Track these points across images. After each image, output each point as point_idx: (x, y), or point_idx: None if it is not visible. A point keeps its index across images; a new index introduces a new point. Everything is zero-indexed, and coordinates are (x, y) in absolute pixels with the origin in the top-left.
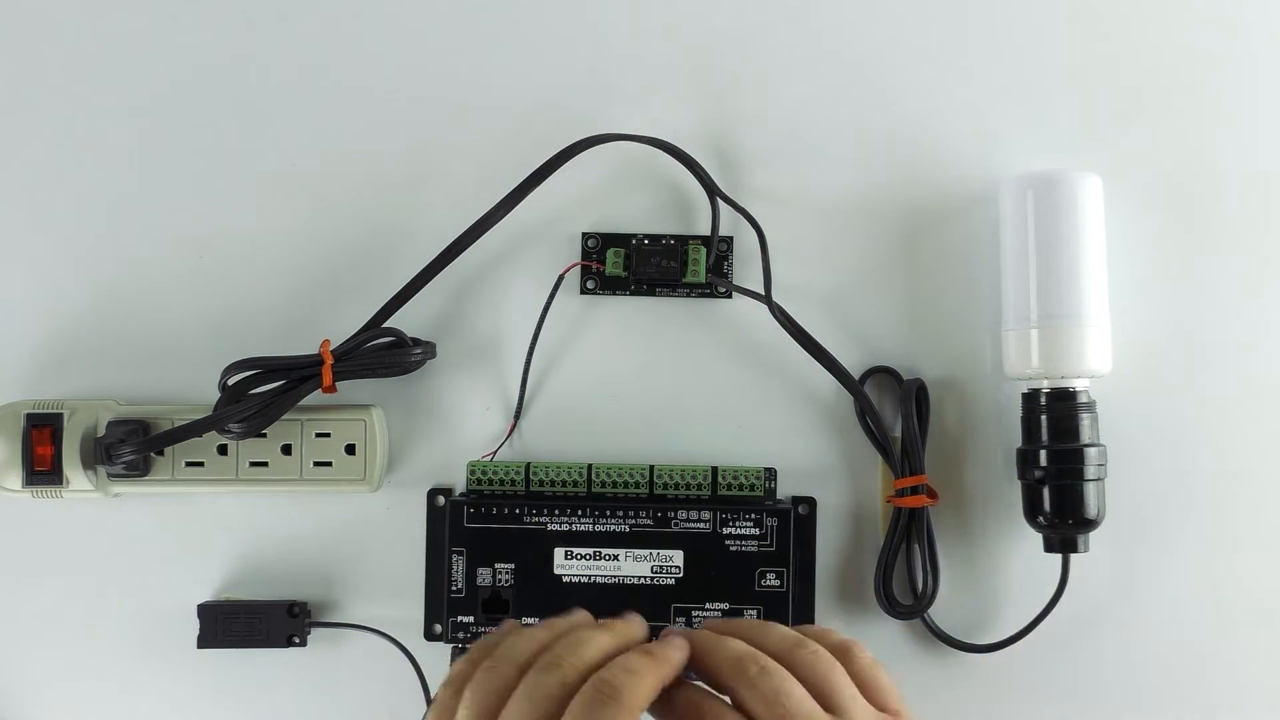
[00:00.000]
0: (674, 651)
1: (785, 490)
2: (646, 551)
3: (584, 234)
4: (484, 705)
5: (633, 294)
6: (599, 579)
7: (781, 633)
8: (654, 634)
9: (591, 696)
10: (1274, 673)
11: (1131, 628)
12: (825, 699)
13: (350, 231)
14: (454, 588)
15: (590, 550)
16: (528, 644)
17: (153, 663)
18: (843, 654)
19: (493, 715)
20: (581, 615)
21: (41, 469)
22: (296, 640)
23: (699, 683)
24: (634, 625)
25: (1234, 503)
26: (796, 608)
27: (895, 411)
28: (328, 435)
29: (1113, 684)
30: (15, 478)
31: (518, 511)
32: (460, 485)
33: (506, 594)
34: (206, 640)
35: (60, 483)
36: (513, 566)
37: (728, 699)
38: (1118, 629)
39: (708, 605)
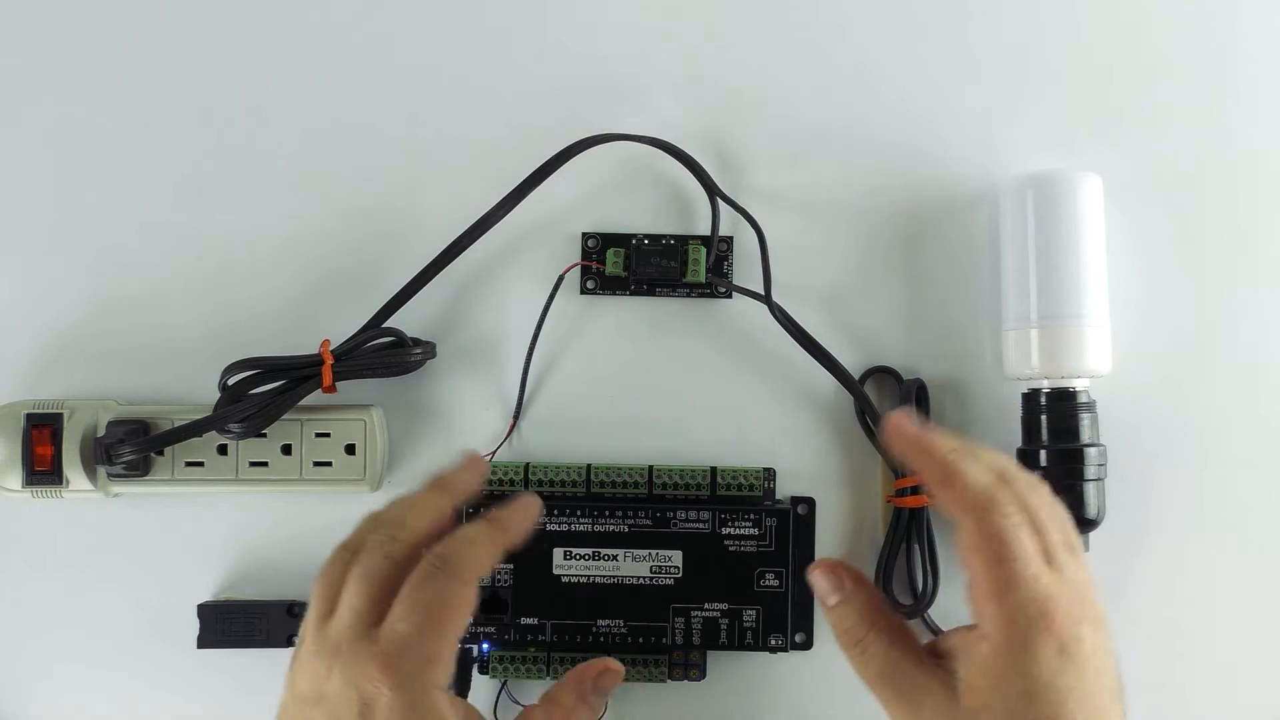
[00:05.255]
0: (517, 516)
1: (785, 490)
2: (646, 552)
3: (584, 234)
4: (324, 595)
5: (633, 294)
6: (598, 579)
7: (1008, 462)
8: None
9: (427, 570)
10: (1274, 672)
11: (1131, 628)
12: (1063, 538)
13: (350, 231)
14: None
15: (589, 550)
16: (368, 525)
17: (153, 662)
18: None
19: (331, 603)
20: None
21: (41, 469)
22: (296, 640)
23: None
24: (462, 476)
25: (1234, 502)
26: (796, 608)
27: None
28: (328, 435)
29: None
30: (15, 478)
31: None
32: None
33: (505, 594)
34: (206, 640)
35: (60, 483)
36: (511, 566)
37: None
38: (1117, 629)
39: (707, 605)
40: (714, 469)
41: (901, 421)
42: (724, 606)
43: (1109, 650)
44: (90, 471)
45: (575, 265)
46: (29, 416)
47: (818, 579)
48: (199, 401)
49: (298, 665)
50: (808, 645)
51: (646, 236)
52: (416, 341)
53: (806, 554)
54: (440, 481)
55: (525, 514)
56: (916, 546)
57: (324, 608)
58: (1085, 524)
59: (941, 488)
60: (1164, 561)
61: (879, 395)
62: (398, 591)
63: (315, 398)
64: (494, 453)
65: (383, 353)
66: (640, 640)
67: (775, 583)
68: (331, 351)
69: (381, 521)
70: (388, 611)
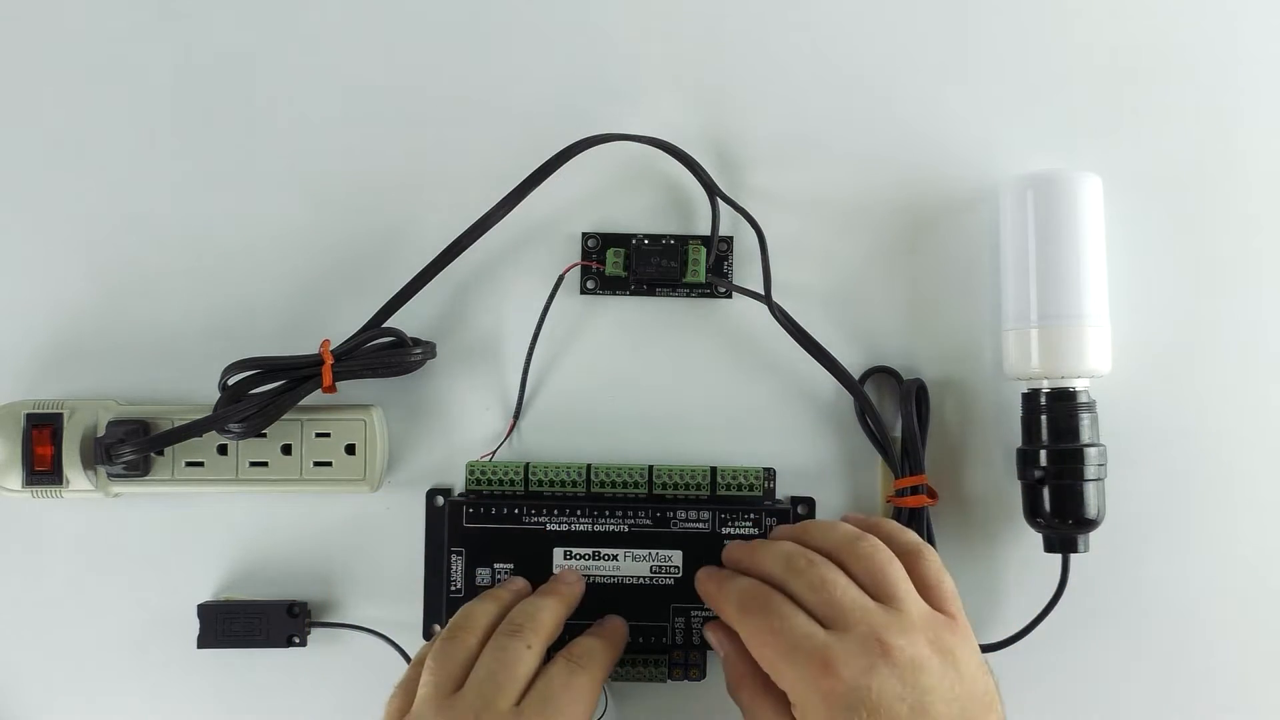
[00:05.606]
0: (620, 628)
1: (785, 490)
2: (646, 551)
3: (584, 234)
4: (446, 670)
5: (633, 294)
6: (598, 579)
7: (843, 530)
8: (643, 630)
9: (568, 665)
10: (1275, 673)
11: (1131, 628)
12: (877, 590)
13: (350, 231)
14: (453, 588)
15: (589, 550)
16: (482, 615)
17: (152, 662)
18: (909, 554)
19: (454, 679)
20: (521, 583)
21: (41, 469)
22: (296, 640)
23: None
24: (574, 586)
25: (1234, 502)
26: None
27: (895, 411)
28: (328, 435)
29: (1113, 684)
30: (15, 478)
31: (517, 512)
32: (460, 485)
33: None
34: (206, 640)
35: (60, 483)
36: (511, 567)
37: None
38: (1118, 629)
39: (707, 605)
40: (714, 469)
41: (698, 578)
42: None
43: (938, 690)
44: (90, 471)
45: (575, 265)
46: (29, 416)
47: (708, 637)
48: (199, 401)
49: None
50: None
51: (646, 236)
52: (416, 341)
53: None
54: (558, 590)
55: (624, 629)
56: None
57: (445, 681)
58: (1085, 524)
59: (724, 618)
60: (1164, 561)
61: (879, 395)
62: (531, 677)
63: (315, 398)
64: (494, 452)
65: (383, 353)
66: (640, 640)
67: None
68: (331, 351)
69: (518, 617)
70: (520, 694)
